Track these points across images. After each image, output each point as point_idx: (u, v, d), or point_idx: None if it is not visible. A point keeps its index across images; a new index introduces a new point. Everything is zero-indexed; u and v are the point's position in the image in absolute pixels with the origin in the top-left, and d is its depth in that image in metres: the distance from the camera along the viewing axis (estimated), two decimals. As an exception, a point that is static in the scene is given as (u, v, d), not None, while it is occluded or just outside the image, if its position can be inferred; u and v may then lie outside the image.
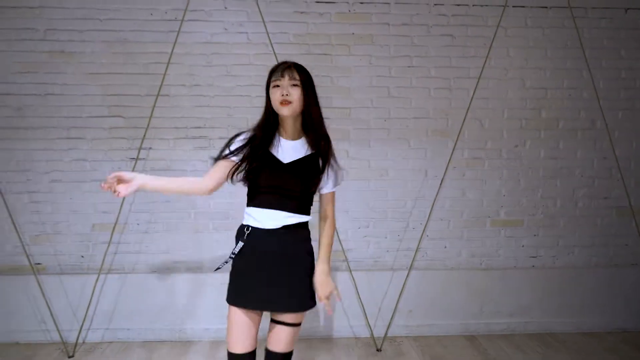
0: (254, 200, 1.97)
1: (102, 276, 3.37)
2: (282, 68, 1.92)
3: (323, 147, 1.98)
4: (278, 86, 1.89)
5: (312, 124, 1.96)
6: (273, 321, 2.00)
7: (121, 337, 3.44)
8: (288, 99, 1.87)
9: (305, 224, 2.01)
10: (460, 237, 3.62)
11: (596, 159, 3.65)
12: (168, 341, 3.44)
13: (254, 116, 3.32)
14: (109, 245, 3.35)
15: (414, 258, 3.51)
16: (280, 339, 1.97)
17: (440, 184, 3.49)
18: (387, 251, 3.58)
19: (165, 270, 3.48)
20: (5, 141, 3.35)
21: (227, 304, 1.97)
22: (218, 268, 2.03)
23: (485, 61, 3.40)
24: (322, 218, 2.08)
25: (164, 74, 3.24)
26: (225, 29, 3.42)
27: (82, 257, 3.46)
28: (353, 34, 3.47)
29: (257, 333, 1.99)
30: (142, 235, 3.46)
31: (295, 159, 1.95)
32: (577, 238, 3.68)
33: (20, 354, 3.21)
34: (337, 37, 3.47)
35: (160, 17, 3.37)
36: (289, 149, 1.96)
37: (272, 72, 1.95)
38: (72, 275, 3.42)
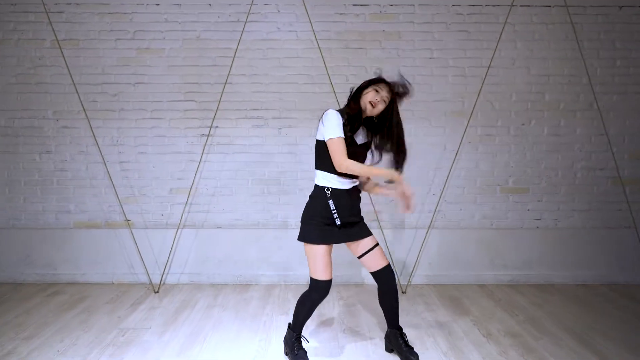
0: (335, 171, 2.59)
1: (178, 230, 4.18)
2: (388, 85, 2.57)
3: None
4: (378, 92, 2.54)
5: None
6: (362, 255, 2.68)
7: (194, 279, 4.24)
8: (378, 105, 2.54)
9: None
10: (474, 201, 4.28)
11: (593, 135, 4.23)
12: (231, 284, 4.23)
13: (301, 100, 4.11)
14: (185, 206, 4.16)
15: (432, 218, 4.19)
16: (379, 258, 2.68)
17: (455, 156, 4.15)
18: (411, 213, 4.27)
19: (228, 226, 4.26)
20: (103, 121, 4.18)
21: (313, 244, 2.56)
22: (339, 221, 2.58)
23: (495, 52, 4.03)
24: None
25: (230, 66, 3.99)
26: (278, 28, 4.16)
27: (162, 215, 4.27)
28: (384, 31, 4.16)
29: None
30: (210, 197, 4.25)
31: (364, 141, 2.65)
32: (576, 203, 4.28)
33: (117, 290, 4.05)
34: (371, 34, 4.16)
35: (226, 19, 4.13)
36: (360, 134, 2.65)
37: (375, 82, 2.57)
38: (155, 229, 4.23)
